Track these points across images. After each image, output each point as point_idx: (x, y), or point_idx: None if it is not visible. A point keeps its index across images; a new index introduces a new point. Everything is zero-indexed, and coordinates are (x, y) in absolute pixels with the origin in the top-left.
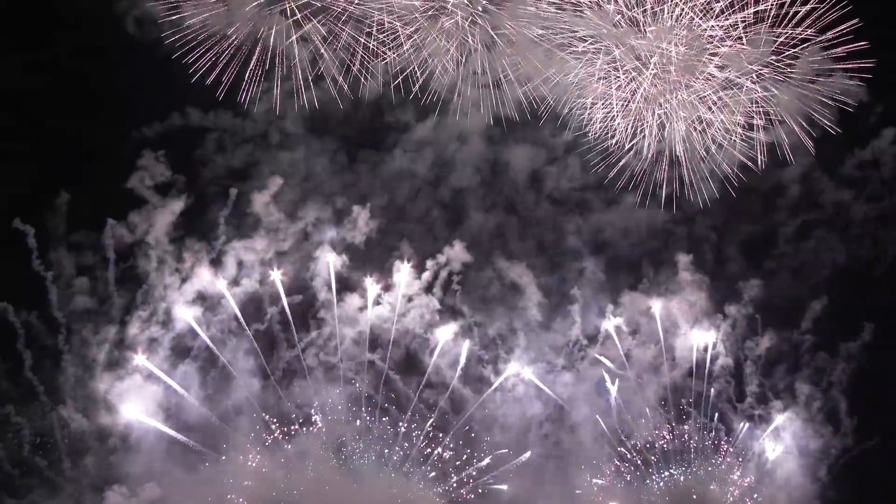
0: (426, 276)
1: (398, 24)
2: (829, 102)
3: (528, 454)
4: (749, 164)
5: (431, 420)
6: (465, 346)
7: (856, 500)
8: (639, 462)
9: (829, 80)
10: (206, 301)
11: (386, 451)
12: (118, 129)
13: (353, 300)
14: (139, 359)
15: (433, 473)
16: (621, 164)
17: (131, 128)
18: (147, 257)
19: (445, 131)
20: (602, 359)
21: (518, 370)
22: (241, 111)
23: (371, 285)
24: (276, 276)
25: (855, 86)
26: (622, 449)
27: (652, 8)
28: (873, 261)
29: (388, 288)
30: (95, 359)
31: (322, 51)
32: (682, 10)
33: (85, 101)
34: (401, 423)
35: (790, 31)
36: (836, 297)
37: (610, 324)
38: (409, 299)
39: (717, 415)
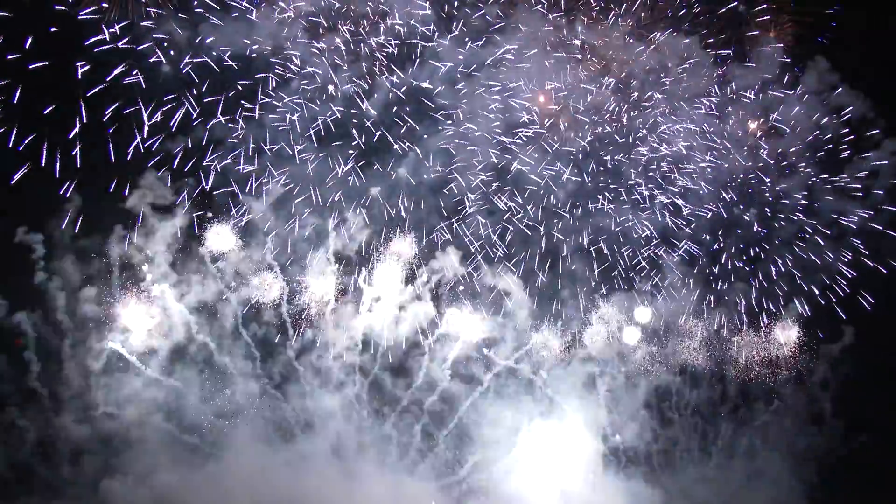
0: (422, 279)
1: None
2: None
3: (519, 450)
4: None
5: (426, 420)
6: (457, 346)
7: (845, 500)
8: (626, 461)
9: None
10: (206, 306)
11: (384, 451)
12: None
13: (349, 305)
14: (140, 362)
15: (430, 471)
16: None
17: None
18: (150, 264)
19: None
20: (591, 357)
21: (510, 367)
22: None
23: (365, 291)
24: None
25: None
26: (611, 447)
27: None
28: (865, 268)
29: (381, 294)
30: (99, 364)
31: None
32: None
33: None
34: (395, 423)
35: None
36: (820, 302)
37: (600, 323)
38: (402, 308)
39: (701, 416)
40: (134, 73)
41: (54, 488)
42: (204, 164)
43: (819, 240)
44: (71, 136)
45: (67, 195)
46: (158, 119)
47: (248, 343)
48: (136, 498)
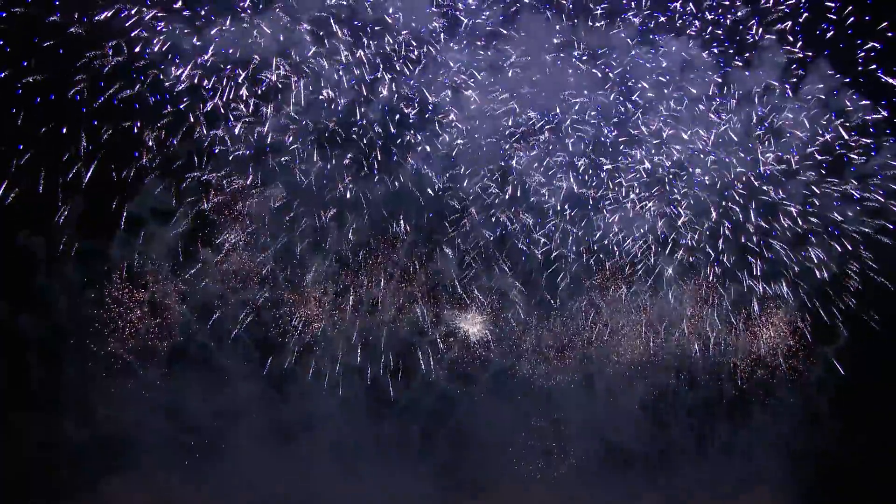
0: (420, 281)
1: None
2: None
3: (517, 450)
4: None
5: (425, 420)
6: (456, 347)
7: (843, 501)
8: (623, 461)
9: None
10: (206, 308)
11: (383, 451)
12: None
13: (348, 307)
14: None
15: (430, 471)
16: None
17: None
18: (151, 266)
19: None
20: (589, 357)
21: (508, 367)
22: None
23: (365, 293)
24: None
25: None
26: (608, 447)
27: None
28: (864, 272)
29: (380, 296)
30: (99, 365)
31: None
32: None
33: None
34: (394, 424)
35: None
36: (814, 304)
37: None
38: (401, 310)
39: (698, 416)
40: (136, 87)
41: (54, 489)
42: (205, 166)
43: (823, 254)
44: (70, 152)
45: (69, 203)
46: (161, 127)
47: (247, 344)
48: (135, 498)
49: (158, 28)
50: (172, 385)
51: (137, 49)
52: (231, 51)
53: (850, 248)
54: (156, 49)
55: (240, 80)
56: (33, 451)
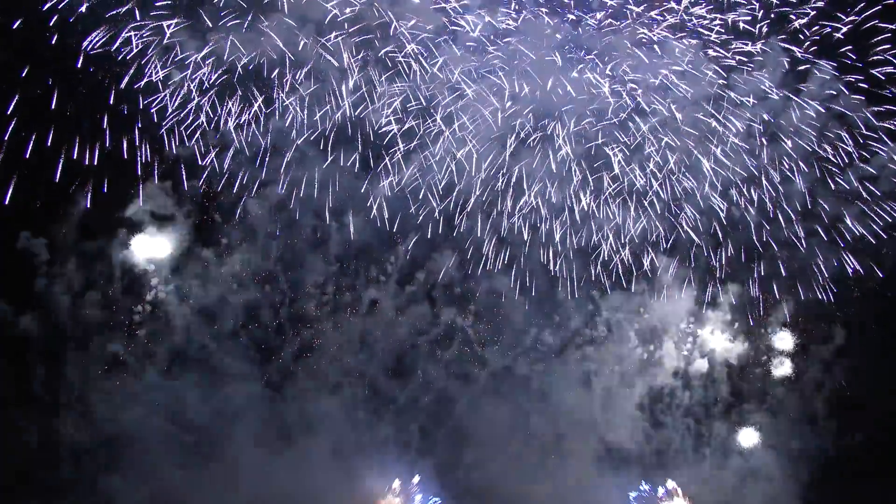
0: (418, 281)
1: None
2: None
3: (515, 448)
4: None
5: (424, 419)
6: (454, 345)
7: (839, 500)
8: (620, 460)
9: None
10: (206, 308)
11: (383, 451)
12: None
13: (348, 307)
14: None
15: (430, 471)
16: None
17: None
18: (151, 266)
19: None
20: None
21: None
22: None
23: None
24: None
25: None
26: (606, 446)
27: None
28: (863, 273)
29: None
30: (100, 366)
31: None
32: None
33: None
34: (393, 423)
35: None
36: (812, 305)
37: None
38: (400, 311)
39: (695, 417)
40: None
41: (55, 489)
42: (208, 168)
43: (822, 258)
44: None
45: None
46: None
47: (247, 345)
48: (135, 497)
49: (160, 37)
50: (172, 385)
51: (141, 60)
52: (236, 57)
53: (850, 252)
54: (158, 56)
55: (243, 88)
56: (33, 451)
